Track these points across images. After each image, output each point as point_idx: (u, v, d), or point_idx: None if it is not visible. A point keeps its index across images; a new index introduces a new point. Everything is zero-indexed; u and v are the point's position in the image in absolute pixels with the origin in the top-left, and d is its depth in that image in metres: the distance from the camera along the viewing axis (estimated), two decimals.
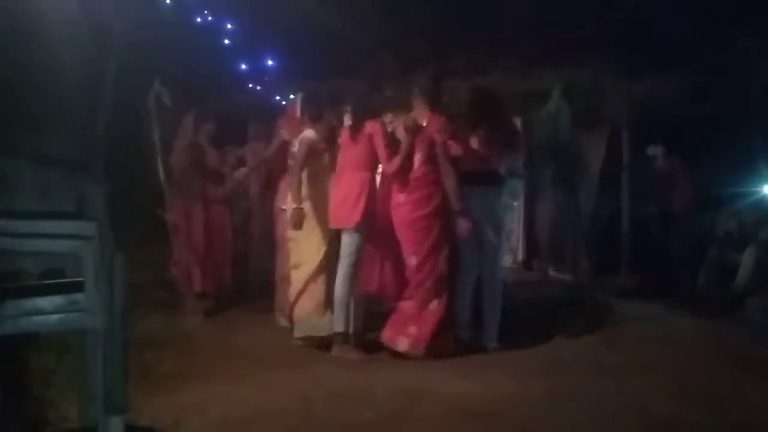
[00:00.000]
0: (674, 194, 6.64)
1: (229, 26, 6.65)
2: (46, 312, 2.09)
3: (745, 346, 4.78)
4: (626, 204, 6.76)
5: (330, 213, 4.82)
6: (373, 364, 4.51)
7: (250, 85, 7.53)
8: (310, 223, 4.89)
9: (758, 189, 6.20)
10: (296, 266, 5.00)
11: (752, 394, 3.86)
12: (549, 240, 6.85)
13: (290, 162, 5.11)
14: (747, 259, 5.84)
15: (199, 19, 6.34)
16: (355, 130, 4.81)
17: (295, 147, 4.99)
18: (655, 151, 6.69)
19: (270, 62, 7.25)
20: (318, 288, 4.90)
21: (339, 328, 4.69)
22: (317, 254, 4.90)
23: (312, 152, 4.90)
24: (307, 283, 4.90)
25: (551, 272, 6.92)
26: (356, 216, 4.62)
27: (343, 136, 4.92)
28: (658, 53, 6.11)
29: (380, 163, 4.76)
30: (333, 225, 4.82)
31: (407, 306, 4.74)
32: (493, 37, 6.21)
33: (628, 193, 6.72)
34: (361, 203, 4.64)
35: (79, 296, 2.12)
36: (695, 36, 6.24)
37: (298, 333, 4.91)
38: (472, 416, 3.52)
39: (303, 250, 4.95)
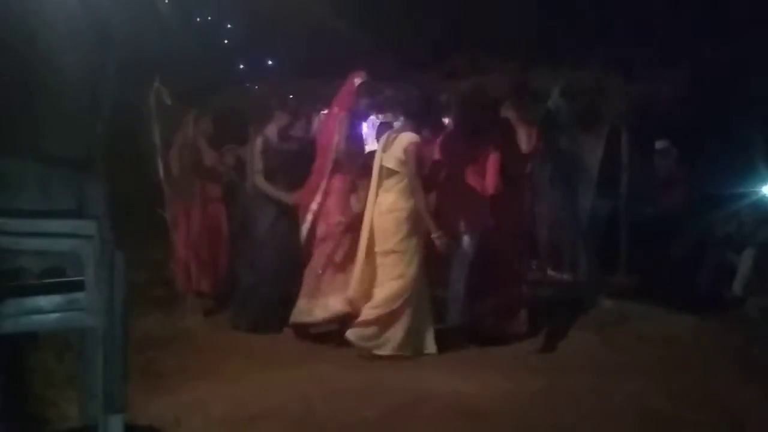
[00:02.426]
0: (674, 194, 6.64)
1: (228, 26, 6.66)
2: (46, 311, 2.10)
3: (744, 346, 4.80)
4: (625, 204, 6.77)
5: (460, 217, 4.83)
6: (373, 364, 4.51)
7: (248, 85, 7.54)
8: (413, 237, 4.65)
9: (757, 189, 6.20)
10: (388, 281, 4.66)
11: (750, 394, 3.87)
12: (548, 240, 6.85)
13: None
14: (746, 259, 5.86)
15: (198, 19, 6.35)
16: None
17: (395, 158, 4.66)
18: (663, 145, 6.69)
19: (270, 62, 7.26)
20: (416, 311, 4.65)
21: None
22: (415, 271, 4.64)
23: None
24: (402, 306, 4.60)
25: (550, 272, 6.92)
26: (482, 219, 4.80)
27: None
28: (658, 53, 6.12)
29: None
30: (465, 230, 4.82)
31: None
32: (492, 37, 6.22)
33: (627, 193, 6.72)
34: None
35: (79, 295, 2.13)
36: (694, 36, 6.25)
37: (383, 350, 4.59)
38: (471, 415, 3.54)
39: (399, 265, 4.63)
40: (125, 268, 2.21)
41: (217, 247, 6.30)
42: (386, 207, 4.67)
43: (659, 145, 6.68)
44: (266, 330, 5.16)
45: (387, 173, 4.69)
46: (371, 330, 4.57)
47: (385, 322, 4.58)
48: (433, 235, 4.58)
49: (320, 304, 4.90)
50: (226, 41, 6.78)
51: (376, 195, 4.72)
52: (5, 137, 2.13)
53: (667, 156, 6.69)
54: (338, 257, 4.93)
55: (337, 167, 4.98)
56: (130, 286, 2.25)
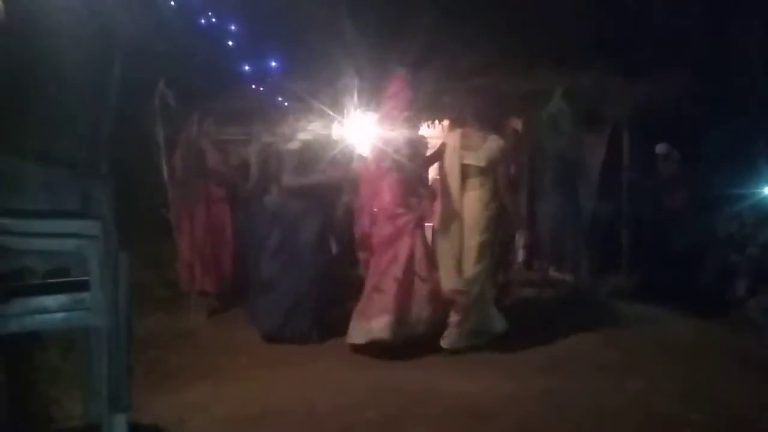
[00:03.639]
0: (675, 194, 6.64)
1: (232, 28, 6.70)
2: (51, 310, 2.12)
3: (745, 346, 4.80)
4: (626, 204, 6.78)
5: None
6: (375, 364, 4.53)
7: (253, 86, 7.55)
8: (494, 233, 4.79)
9: (759, 190, 6.19)
10: (471, 277, 4.69)
11: (751, 394, 3.88)
12: (550, 240, 6.86)
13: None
14: (747, 260, 5.86)
15: (203, 21, 6.39)
16: None
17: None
18: (663, 149, 6.68)
19: (273, 63, 7.30)
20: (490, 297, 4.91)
21: None
22: (489, 263, 4.80)
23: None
24: (483, 293, 4.76)
25: (552, 272, 6.93)
26: None
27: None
28: (658, 53, 6.12)
29: None
30: None
31: None
32: (493, 38, 6.23)
33: (629, 194, 6.73)
34: None
35: (84, 295, 2.15)
36: (695, 36, 6.25)
37: (465, 342, 4.69)
38: (473, 415, 3.55)
39: (477, 260, 4.70)
40: (129, 268, 2.23)
41: (220, 247, 6.33)
42: (482, 204, 4.69)
43: (661, 149, 6.68)
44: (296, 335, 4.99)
45: (474, 171, 4.71)
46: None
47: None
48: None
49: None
50: (230, 43, 6.81)
51: (461, 193, 4.71)
52: (10, 138, 2.14)
53: (669, 159, 6.70)
54: (398, 269, 4.75)
55: (392, 170, 4.93)
56: (134, 286, 2.28)
